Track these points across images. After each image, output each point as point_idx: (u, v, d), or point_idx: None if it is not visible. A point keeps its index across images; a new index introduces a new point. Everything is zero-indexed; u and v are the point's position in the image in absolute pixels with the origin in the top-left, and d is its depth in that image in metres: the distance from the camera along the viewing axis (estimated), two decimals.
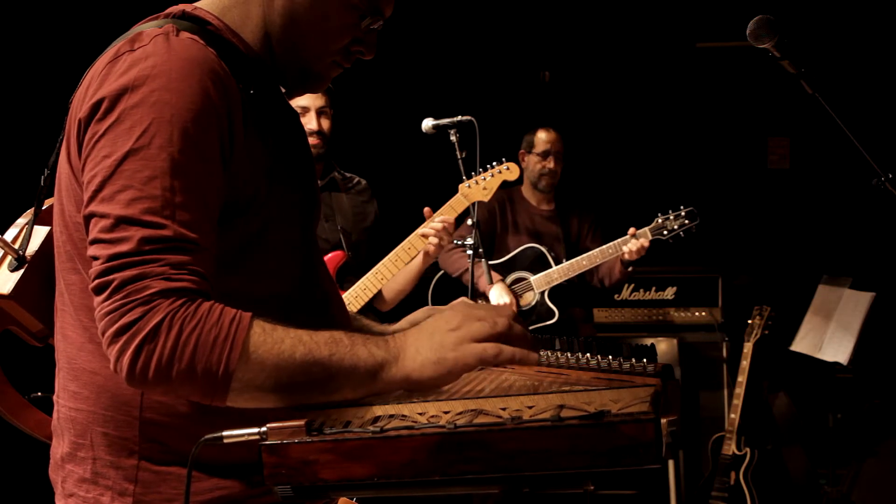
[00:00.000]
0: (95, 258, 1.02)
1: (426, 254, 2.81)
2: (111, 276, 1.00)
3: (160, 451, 1.13)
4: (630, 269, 3.54)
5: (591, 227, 3.78)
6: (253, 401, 1.02)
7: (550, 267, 3.56)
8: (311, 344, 1.02)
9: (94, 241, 1.03)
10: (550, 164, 3.66)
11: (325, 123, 2.76)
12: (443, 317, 1.07)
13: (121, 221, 1.01)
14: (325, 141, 2.77)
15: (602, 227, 3.83)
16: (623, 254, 3.44)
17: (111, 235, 1.01)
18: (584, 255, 3.51)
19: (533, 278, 3.55)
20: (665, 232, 3.49)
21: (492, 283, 3.27)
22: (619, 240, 3.46)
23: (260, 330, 1.02)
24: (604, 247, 3.48)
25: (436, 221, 2.77)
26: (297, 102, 2.68)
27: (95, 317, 1.01)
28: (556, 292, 3.59)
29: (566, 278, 3.53)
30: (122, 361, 0.99)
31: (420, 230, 2.79)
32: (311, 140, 2.72)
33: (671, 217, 3.50)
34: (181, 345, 0.99)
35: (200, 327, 0.99)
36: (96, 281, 1.01)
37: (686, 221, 3.49)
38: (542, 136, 3.68)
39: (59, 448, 1.20)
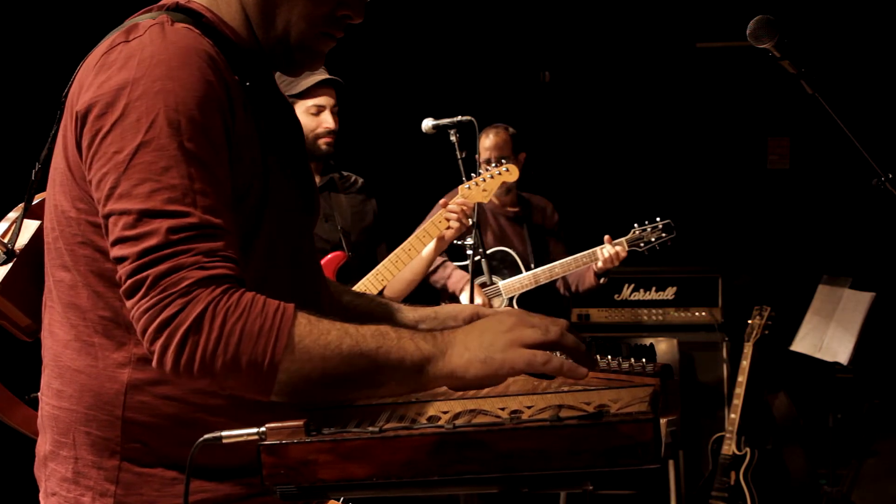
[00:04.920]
0: (123, 259, 1.00)
1: (441, 239, 2.80)
2: (144, 273, 0.98)
3: (142, 453, 1.12)
4: (603, 280, 3.45)
5: (555, 230, 3.69)
6: (299, 393, 1.00)
7: (521, 272, 3.46)
8: (358, 336, 1.01)
9: (119, 241, 1.01)
10: None
11: (337, 122, 2.77)
12: (496, 318, 1.06)
13: (143, 215, 1.00)
14: (335, 139, 2.78)
15: (573, 229, 3.76)
16: (597, 261, 3.36)
17: (136, 231, 1.00)
18: (558, 262, 3.41)
19: (502, 283, 3.45)
20: (642, 244, 3.42)
21: (491, 280, 3.26)
22: (595, 249, 3.37)
23: (305, 321, 1.00)
24: (578, 255, 3.39)
25: (454, 205, 2.78)
26: (313, 102, 2.69)
27: (132, 317, 1.00)
28: (528, 299, 3.49)
29: (537, 285, 3.43)
30: (166, 357, 0.98)
31: (435, 218, 2.80)
32: (327, 139, 2.72)
33: (648, 229, 3.42)
34: (226, 335, 0.97)
35: (245, 317, 0.98)
36: (129, 281, 0.99)
37: (663, 234, 3.42)
38: (483, 142, 3.47)
39: (42, 446, 1.19)
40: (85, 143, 1.07)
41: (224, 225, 1.03)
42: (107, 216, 1.03)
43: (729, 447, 3.78)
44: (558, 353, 1.03)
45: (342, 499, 2.00)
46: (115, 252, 1.02)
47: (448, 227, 2.78)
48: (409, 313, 1.38)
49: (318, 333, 1.00)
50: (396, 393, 1.02)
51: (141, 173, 1.01)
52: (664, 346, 4.09)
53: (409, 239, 2.81)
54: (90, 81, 1.08)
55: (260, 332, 0.98)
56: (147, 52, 1.05)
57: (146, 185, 1.01)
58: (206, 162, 1.03)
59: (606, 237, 3.40)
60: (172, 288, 0.97)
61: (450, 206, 2.78)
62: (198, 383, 1.02)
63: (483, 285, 3.31)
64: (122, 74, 1.05)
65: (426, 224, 2.82)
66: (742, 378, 3.76)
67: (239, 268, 1.02)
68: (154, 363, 0.99)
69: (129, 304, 1.00)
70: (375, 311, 1.39)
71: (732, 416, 3.77)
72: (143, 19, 1.12)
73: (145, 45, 1.06)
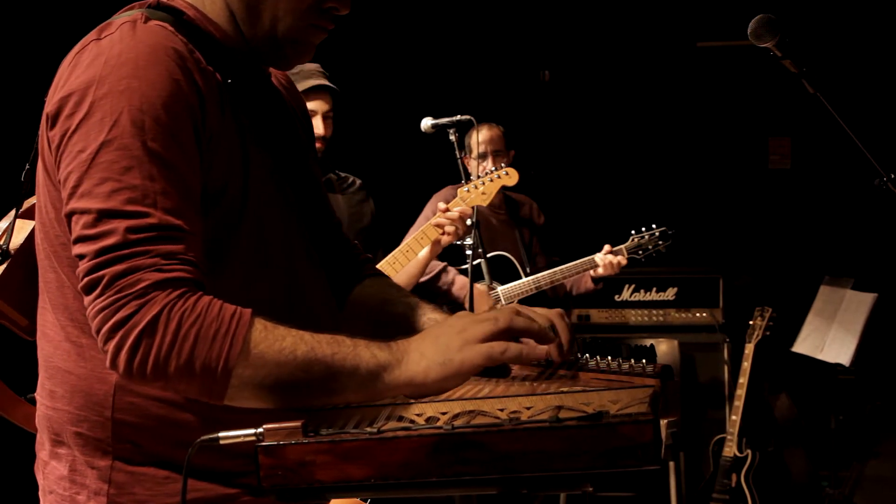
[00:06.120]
0: (82, 256, 1.01)
1: (436, 243, 2.81)
2: (101, 273, 0.99)
3: (133, 452, 1.12)
4: (599, 284, 3.49)
5: (541, 232, 3.67)
6: (252, 399, 1.01)
7: (519, 277, 3.45)
8: (314, 342, 1.01)
9: (78, 239, 1.02)
10: (489, 164, 3.41)
11: (330, 128, 2.78)
12: (447, 322, 1.07)
13: (103, 215, 1.00)
14: (326, 145, 2.78)
15: (572, 228, 3.76)
16: (597, 267, 3.38)
17: (95, 230, 1.00)
18: (559, 268, 3.42)
19: (501, 289, 3.43)
20: (640, 251, 3.45)
21: (491, 284, 3.26)
22: (594, 255, 3.39)
23: (261, 327, 1.01)
24: (578, 261, 3.41)
25: (453, 210, 2.78)
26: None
27: (87, 315, 1.00)
28: (526, 303, 3.50)
29: (538, 290, 3.43)
30: (119, 358, 0.98)
31: (434, 220, 2.80)
32: (316, 145, 2.72)
33: (646, 236, 3.45)
34: (180, 339, 0.97)
35: (200, 322, 0.98)
36: (86, 279, 1.00)
37: (659, 242, 3.45)
38: (475, 137, 3.44)
39: (40, 445, 1.20)
40: (54, 144, 1.07)
41: (186, 227, 1.03)
42: (69, 215, 1.04)
43: (730, 449, 3.78)
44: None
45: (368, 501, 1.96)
46: (75, 250, 1.02)
47: (444, 233, 2.78)
48: None
49: (273, 339, 1.00)
50: (352, 401, 1.03)
51: (102, 172, 1.01)
52: (664, 347, 4.09)
53: (407, 241, 2.81)
54: (63, 81, 1.09)
55: (215, 337, 0.98)
56: (115, 51, 1.05)
57: (107, 184, 1.01)
58: (169, 162, 1.03)
59: (606, 246, 3.41)
60: (129, 289, 0.98)
61: (448, 213, 2.79)
62: (150, 386, 1.03)
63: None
64: (89, 73, 1.05)
65: (424, 226, 2.82)
66: (743, 379, 3.76)
67: (199, 271, 1.02)
68: (108, 364, 1.00)
69: (85, 301, 1.01)
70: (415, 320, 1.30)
71: (733, 417, 3.77)
72: (121, 17, 1.12)
73: (114, 43, 1.06)
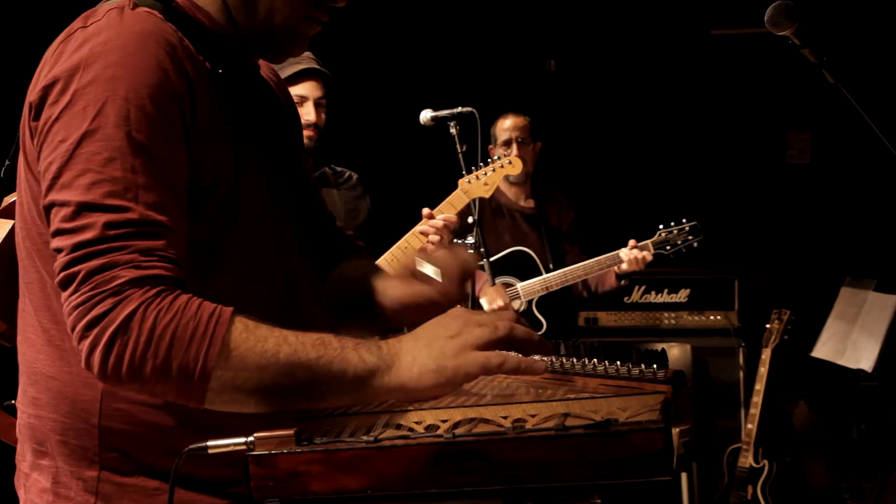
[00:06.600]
0: (59, 250, 1.01)
1: (422, 251, 2.82)
2: (77, 268, 0.99)
3: (121, 462, 1.12)
4: (624, 281, 3.51)
5: (571, 229, 3.71)
6: (233, 403, 1.01)
7: (540, 274, 3.49)
8: (298, 344, 1.01)
9: (57, 233, 1.02)
10: (514, 151, 3.51)
11: (322, 115, 2.78)
12: (440, 323, 1.06)
13: (82, 208, 1.01)
14: (320, 134, 2.78)
15: (590, 228, 3.80)
16: (621, 263, 3.40)
17: (73, 224, 1.01)
18: (580, 264, 3.45)
19: (520, 285, 3.47)
20: (668, 247, 3.47)
21: (493, 284, 3.27)
22: (618, 251, 3.41)
23: (242, 326, 1.00)
24: (601, 257, 3.43)
25: (437, 219, 2.79)
26: (295, 91, 2.69)
27: (63, 312, 1.00)
28: (545, 301, 3.53)
29: (547, 291, 3.46)
30: (93, 357, 0.98)
31: (419, 227, 2.81)
32: (307, 132, 2.72)
33: (675, 231, 3.47)
34: (156, 338, 0.97)
35: (177, 320, 0.98)
36: (62, 274, 1.00)
37: (689, 237, 3.47)
38: (501, 125, 3.58)
39: (21, 456, 1.20)
40: (36, 133, 1.08)
41: (168, 222, 1.03)
42: (48, 207, 1.04)
43: (746, 459, 3.78)
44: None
45: None
46: (53, 244, 1.03)
47: (429, 242, 2.80)
48: None
49: (254, 340, 1.00)
50: (339, 405, 1.03)
51: (84, 164, 1.02)
52: (677, 352, 4.09)
53: (392, 249, 2.82)
54: (47, 69, 1.09)
55: (192, 337, 0.98)
56: (101, 38, 1.06)
57: (87, 176, 1.01)
58: (154, 154, 1.04)
59: (631, 241, 3.42)
60: (104, 286, 0.98)
61: (432, 222, 2.79)
62: (127, 388, 1.02)
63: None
64: (74, 60, 1.06)
65: (407, 235, 2.83)
66: (760, 386, 3.76)
67: (179, 269, 1.02)
68: (82, 364, 1.00)
69: (61, 298, 1.01)
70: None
71: (749, 426, 3.77)
72: (107, 4, 1.12)
73: (101, 29, 1.07)
